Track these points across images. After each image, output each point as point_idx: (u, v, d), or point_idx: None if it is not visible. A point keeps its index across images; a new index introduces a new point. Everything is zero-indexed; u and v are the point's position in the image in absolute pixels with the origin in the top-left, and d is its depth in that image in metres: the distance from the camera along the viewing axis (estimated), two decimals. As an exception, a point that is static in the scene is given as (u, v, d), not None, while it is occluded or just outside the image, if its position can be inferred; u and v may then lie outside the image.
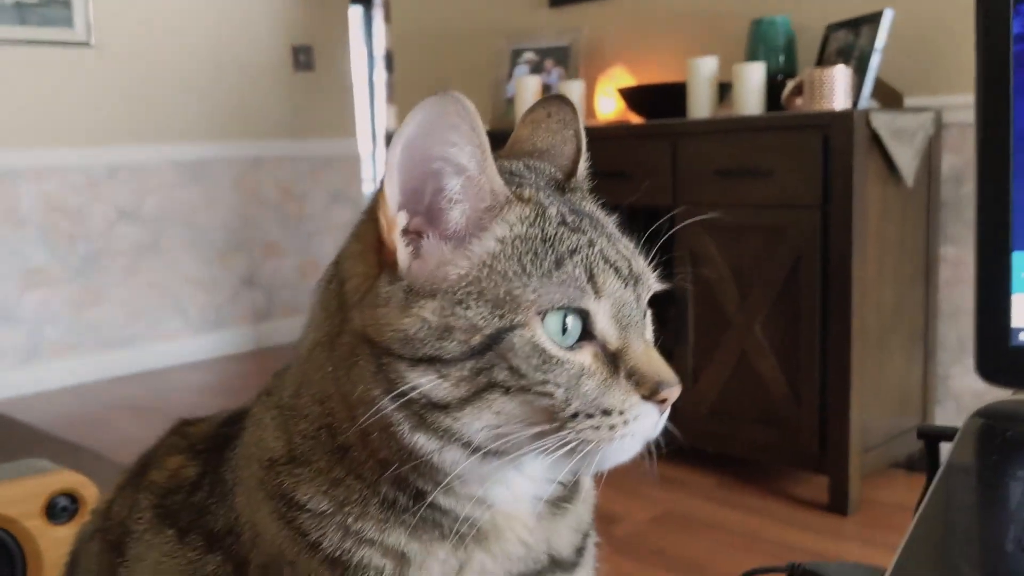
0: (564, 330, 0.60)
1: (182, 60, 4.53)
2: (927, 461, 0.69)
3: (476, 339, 0.59)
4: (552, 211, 0.63)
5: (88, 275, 4.31)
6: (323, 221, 5.18)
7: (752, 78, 2.72)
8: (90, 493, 1.24)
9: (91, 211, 4.29)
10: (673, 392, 0.62)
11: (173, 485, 0.76)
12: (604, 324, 0.61)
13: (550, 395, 0.59)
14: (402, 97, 4.48)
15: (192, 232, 4.65)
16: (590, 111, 3.40)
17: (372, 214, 0.63)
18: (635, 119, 3.15)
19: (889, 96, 2.74)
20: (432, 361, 0.59)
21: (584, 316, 0.61)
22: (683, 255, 2.74)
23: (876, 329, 2.57)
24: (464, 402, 0.59)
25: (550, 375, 0.59)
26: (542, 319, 0.59)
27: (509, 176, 0.67)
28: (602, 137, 3.00)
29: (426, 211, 0.62)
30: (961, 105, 2.66)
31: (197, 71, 4.60)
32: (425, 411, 0.59)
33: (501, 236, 0.61)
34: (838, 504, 2.51)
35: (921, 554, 0.53)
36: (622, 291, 0.62)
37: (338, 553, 0.63)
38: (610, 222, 0.69)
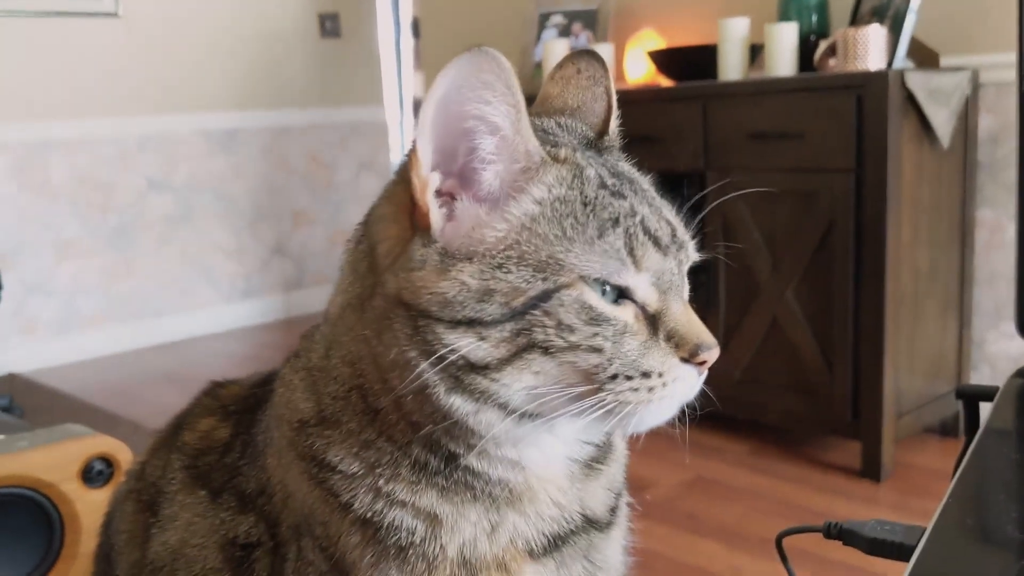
0: (604, 291, 0.60)
1: (209, 29, 4.53)
2: (966, 421, 0.68)
3: (519, 301, 0.58)
4: (591, 172, 0.62)
5: (120, 246, 4.34)
6: (352, 190, 5.18)
7: (784, 39, 2.67)
8: (125, 457, 1.25)
9: (121, 182, 4.32)
10: (712, 355, 0.62)
11: (205, 446, 0.76)
12: (644, 291, 0.61)
13: (599, 350, 0.59)
14: (429, 63, 4.45)
15: (222, 202, 4.67)
16: (619, 74, 3.36)
17: (404, 175, 0.62)
18: (665, 82, 3.12)
19: (925, 56, 2.69)
20: (471, 323, 0.58)
21: (616, 282, 0.60)
22: (714, 220, 2.71)
23: (910, 294, 2.53)
24: (503, 363, 0.59)
25: (598, 329, 0.59)
26: (585, 281, 0.59)
27: (543, 135, 0.66)
28: (631, 101, 2.96)
29: (459, 172, 0.61)
30: (999, 64, 2.60)
31: (224, 40, 4.60)
32: (462, 373, 0.59)
33: (540, 198, 0.60)
34: (871, 470, 2.49)
35: (961, 513, 0.52)
36: (662, 261, 0.62)
37: (370, 514, 0.63)
38: (648, 183, 0.68)
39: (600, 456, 0.71)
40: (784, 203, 2.59)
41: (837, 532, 0.64)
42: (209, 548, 0.71)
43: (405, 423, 0.63)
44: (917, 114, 2.45)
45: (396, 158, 4.59)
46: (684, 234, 0.65)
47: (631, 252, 0.60)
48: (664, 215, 0.64)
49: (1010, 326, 2.70)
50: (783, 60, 2.67)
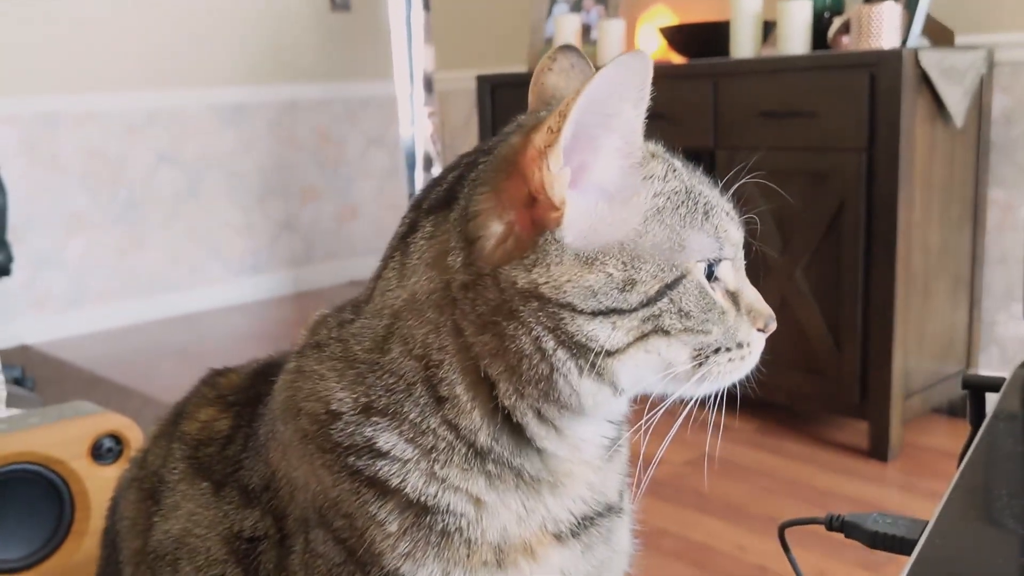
0: (708, 273, 0.66)
1: (218, 3, 4.51)
2: (971, 412, 0.67)
3: (655, 288, 0.62)
4: (677, 163, 0.68)
5: (129, 220, 4.35)
6: (361, 165, 5.18)
7: (797, 16, 2.65)
8: (134, 435, 1.26)
9: (131, 157, 4.33)
10: (774, 325, 0.70)
11: (205, 437, 0.76)
12: (727, 268, 0.67)
13: (708, 332, 0.65)
14: (440, 38, 4.42)
15: (231, 177, 4.67)
16: (630, 50, 3.34)
17: (516, 168, 0.62)
18: (676, 59, 3.09)
19: (940, 33, 2.66)
20: (609, 312, 0.62)
21: (717, 263, 0.66)
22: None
23: (921, 274, 2.52)
24: (631, 346, 0.63)
25: (709, 314, 0.65)
26: (698, 265, 0.65)
27: None
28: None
29: (584, 167, 0.63)
30: (1015, 43, 2.57)
31: (233, 13, 4.58)
32: (597, 358, 0.62)
33: (658, 190, 0.64)
34: (879, 450, 2.49)
35: (964, 506, 0.52)
36: (738, 236, 0.69)
37: (423, 498, 0.64)
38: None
39: (617, 437, 0.73)
40: (795, 182, 2.58)
41: (839, 525, 0.65)
42: (212, 540, 0.72)
43: (480, 412, 0.64)
44: (931, 93, 2.43)
45: (406, 133, 4.57)
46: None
47: (724, 230, 0.67)
48: (725, 201, 0.70)
49: (1021, 307, 2.70)
50: (796, 37, 2.65)
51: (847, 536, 0.63)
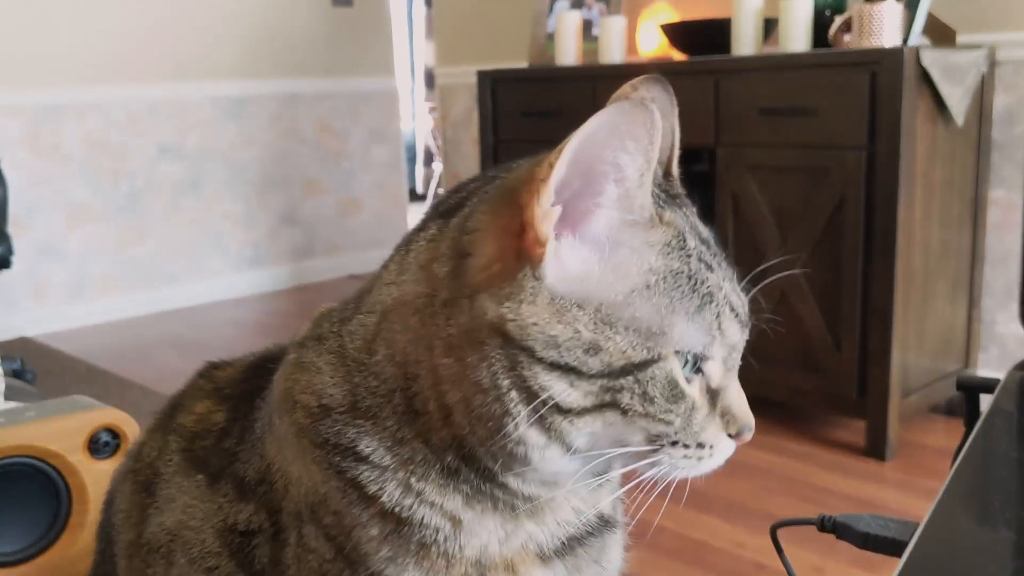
0: (686, 362, 0.62)
1: (221, -4, 4.52)
2: (966, 413, 0.67)
3: (619, 363, 0.59)
4: (691, 242, 0.63)
5: (131, 212, 4.35)
6: (362, 159, 5.18)
7: (799, 13, 2.64)
8: (131, 429, 1.26)
9: (133, 148, 4.33)
10: (750, 436, 0.66)
11: (201, 430, 0.76)
12: (715, 366, 0.64)
13: (668, 423, 0.62)
14: (441, 33, 4.42)
15: (232, 169, 4.68)
16: (631, 47, 3.34)
17: (516, 196, 0.60)
18: (677, 56, 3.09)
19: (941, 32, 2.66)
20: (568, 370, 0.59)
21: (704, 358, 0.63)
22: (724, 196, 2.70)
23: (920, 272, 2.52)
24: (584, 412, 0.60)
25: (674, 406, 0.61)
26: (677, 355, 0.61)
27: None
28: (643, 74, 2.93)
29: (579, 211, 0.60)
30: (1017, 42, 2.57)
31: (235, 7, 4.58)
32: (547, 412, 0.60)
33: (654, 265, 0.61)
34: (876, 449, 2.49)
35: (956, 509, 0.52)
36: (738, 335, 0.65)
37: (397, 509, 0.64)
38: (717, 242, 0.68)
39: (605, 470, 0.71)
40: (795, 179, 2.58)
41: (831, 526, 0.65)
42: (207, 532, 0.72)
43: (447, 433, 0.63)
44: (931, 92, 2.43)
45: (406, 128, 4.57)
46: (747, 309, 0.67)
47: (720, 327, 0.62)
48: (738, 291, 0.66)
49: (1018, 308, 2.69)
50: (797, 35, 2.65)
51: (839, 537, 0.63)
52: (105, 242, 4.28)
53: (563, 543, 0.69)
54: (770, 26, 2.82)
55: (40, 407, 1.26)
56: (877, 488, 2.35)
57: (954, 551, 0.48)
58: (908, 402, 2.54)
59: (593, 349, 0.59)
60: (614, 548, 0.74)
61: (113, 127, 4.25)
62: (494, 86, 3.39)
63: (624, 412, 0.60)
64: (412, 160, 7.99)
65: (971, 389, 0.69)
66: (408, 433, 0.64)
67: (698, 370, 0.63)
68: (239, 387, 0.78)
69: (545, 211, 0.58)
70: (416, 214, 7.06)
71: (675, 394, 0.61)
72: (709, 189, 2.72)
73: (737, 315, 0.64)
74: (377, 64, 5.20)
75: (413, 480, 0.64)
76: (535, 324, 0.59)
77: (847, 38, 2.60)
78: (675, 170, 0.71)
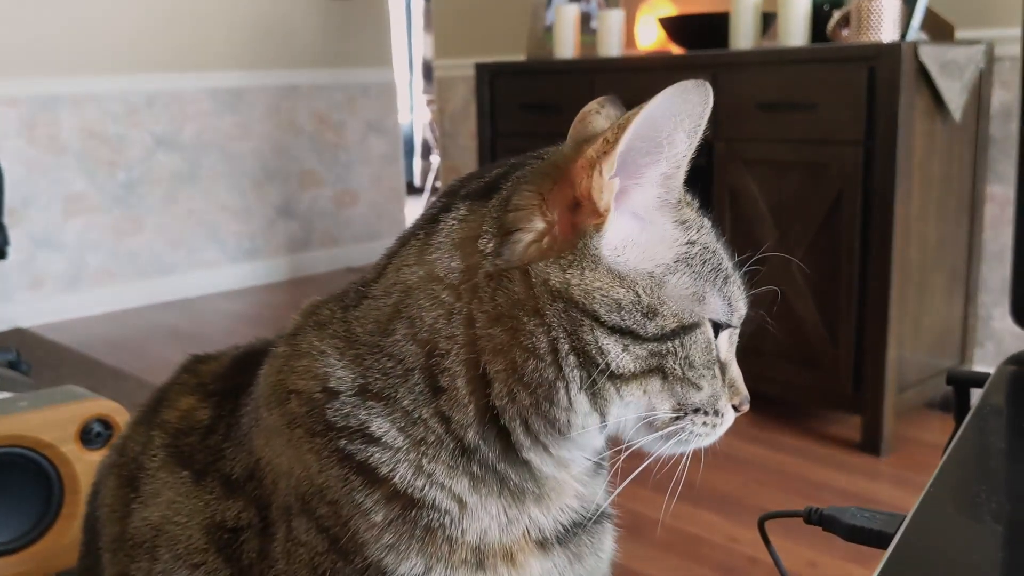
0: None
1: (219, -13, 4.50)
2: (956, 407, 0.67)
3: (672, 326, 0.63)
4: (707, 222, 0.68)
5: (127, 203, 4.35)
6: (360, 151, 5.17)
7: (797, 8, 2.64)
8: (123, 419, 1.26)
9: (130, 139, 4.32)
10: (747, 408, 0.70)
11: (185, 426, 0.76)
12: (724, 340, 0.68)
13: (700, 388, 0.66)
14: (439, 25, 4.41)
15: (228, 161, 4.67)
16: (630, 41, 3.33)
17: (565, 173, 0.63)
18: (676, 49, 3.08)
19: (940, 28, 2.65)
20: (625, 333, 0.62)
21: (727, 326, 0.68)
22: (721, 191, 2.70)
23: (917, 268, 2.52)
24: (632, 377, 0.63)
25: (707, 372, 0.66)
26: (712, 322, 0.66)
27: None
28: (641, 68, 2.94)
29: (628, 187, 0.64)
30: (1014, 38, 2.57)
31: (234, -2, 4.57)
32: (600, 376, 0.62)
33: (693, 238, 0.66)
34: (871, 444, 2.49)
35: (943, 502, 0.52)
36: (744, 312, 0.69)
37: (410, 490, 0.64)
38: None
39: (604, 452, 0.72)
40: (792, 174, 2.58)
41: (818, 518, 0.65)
42: (193, 528, 0.72)
43: (475, 407, 0.64)
44: (929, 87, 2.42)
45: (404, 120, 4.57)
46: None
47: (736, 302, 0.68)
48: (735, 269, 0.70)
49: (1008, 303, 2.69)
50: (796, 29, 2.64)
51: (825, 529, 0.64)
52: (101, 233, 4.28)
53: (566, 529, 0.70)
54: (768, 20, 2.82)
55: (32, 397, 1.26)
56: (871, 483, 2.35)
57: (940, 542, 0.48)
58: (903, 397, 2.54)
59: (651, 312, 0.63)
60: (608, 538, 0.75)
61: (110, 118, 4.24)
62: (492, 79, 3.38)
63: (665, 376, 0.64)
64: (410, 153, 7.98)
65: (961, 383, 0.69)
66: (425, 412, 0.65)
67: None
68: (223, 384, 0.78)
69: (605, 183, 0.62)
70: (414, 207, 7.04)
71: (710, 360, 0.66)
72: (706, 184, 2.72)
73: (742, 290, 0.69)
74: (375, 56, 5.19)
75: (424, 461, 0.65)
76: (600, 288, 0.62)
77: (845, 33, 2.59)
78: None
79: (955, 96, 2.45)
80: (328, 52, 4.95)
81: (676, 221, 0.65)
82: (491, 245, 0.64)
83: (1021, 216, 0.68)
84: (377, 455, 0.64)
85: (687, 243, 0.65)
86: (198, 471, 0.73)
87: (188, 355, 0.84)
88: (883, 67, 2.35)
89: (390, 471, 0.64)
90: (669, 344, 0.63)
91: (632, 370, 0.63)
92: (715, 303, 0.65)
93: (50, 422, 1.22)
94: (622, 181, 0.63)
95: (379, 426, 0.64)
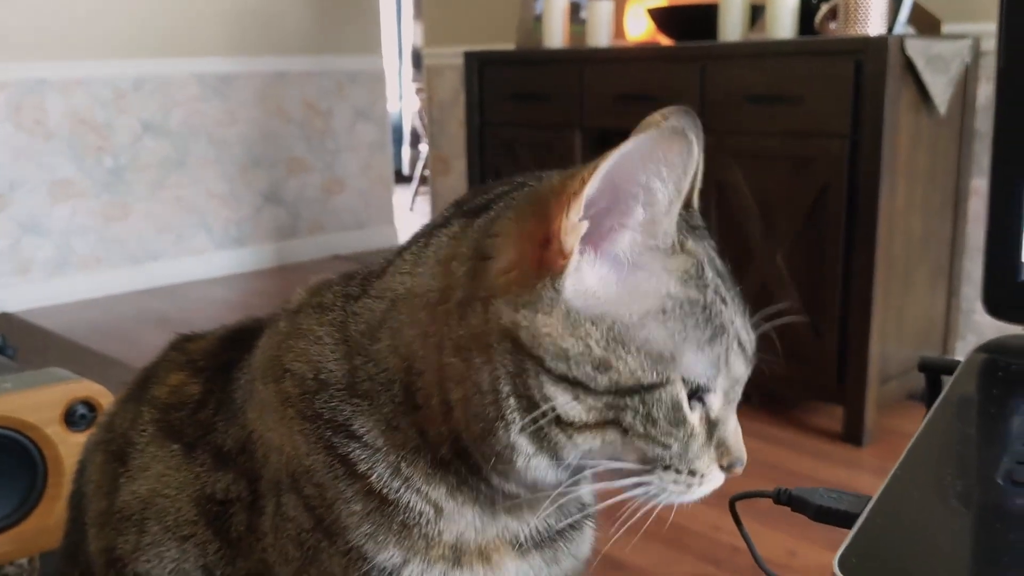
0: (690, 390, 0.62)
1: (208, -28, 4.48)
2: (927, 394, 0.69)
3: (628, 382, 0.59)
4: (709, 273, 0.63)
5: (115, 189, 4.33)
6: (348, 138, 5.16)
7: (786, 0, 2.65)
8: (107, 402, 1.26)
9: (117, 124, 4.30)
10: (742, 470, 0.67)
11: (175, 401, 0.76)
12: (717, 397, 0.64)
13: (666, 447, 0.62)
14: (429, 13, 4.40)
15: (216, 147, 4.66)
16: (619, 31, 3.34)
17: (543, 205, 0.60)
18: (664, 41, 3.09)
19: (927, 22, 2.67)
20: (576, 384, 0.59)
21: (707, 389, 0.63)
22: (708, 183, 2.71)
23: (901, 261, 2.54)
24: (585, 427, 0.60)
25: (675, 431, 0.61)
26: (684, 382, 0.61)
27: None
28: (630, 59, 2.94)
29: (598, 228, 0.60)
30: (1001, 33, 2.58)
31: (223, -16, 4.55)
32: (546, 423, 0.60)
33: (672, 291, 0.61)
34: (853, 435, 2.51)
35: (909, 484, 0.53)
36: (743, 370, 0.65)
37: (385, 490, 0.64)
38: (731, 277, 0.68)
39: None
40: (779, 167, 2.59)
41: (787, 499, 0.66)
42: (183, 501, 0.72)
43: (447, 428, 0.63)
44: (915, 81, 2.44)
45: (393, 108, 4.57)
46: (754, 344, 0.67)
47: (727, 361, 0.62)
48: (748, 326, 0.66)
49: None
50: (784, 22, 2.65)
51: (794, 509, 0.65)
52: (88, 218, 4.26)
53: (543, 535, 0.70)
54: (757, 12, 2.83)
55: (16, 379, 1.26)
56: (853, 473, 2.38)
57: (904, 522, 0.49)
58: (886, 389, 2.56)
59: (603, 366, 0.59)
60: (587, 541, 0.75)
61: (98, 103, 4.22)
62: (481, 68, 3.38)
63: (625, 431, 0.60)
64: (398, 141, 7.97)
65: (933, 370, 0.70)
66: (403, 422, 0.64)
67: (700, 399, 0.63)
68: (214, 359, 0.78)
69: (573, 224, 0.58)
70: (402, 196, 7.00)
71: (678, 419, 0.61)
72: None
73: (744, 350, 0.64)
74: (364, 43, 5.17)
75: (403, 465, 0.64)
76: (548, 335, 0.59)
77: (833, 26, 2.61)
78: (695, 201, 0.70)
79: (941, 90, 2.47)
80: (317, 39, 4.94)
81: (662, 269, 0.61)
82: (464, 269, 0.62)
83: (993, 206, 0.69)
84: (357, 452, 0.64)
85: (665, 295, 0.60)
86: (189, 444, 0.73)
87: (175, 334, 0.84)
88: (870, 61, 2.36)
89: (368, 469, 0.64)
90: (627, 400, 0.59)
91: (584, 420, 0.60)
92: (693, 364, 0.61)
93: (34, 403, 1.22)
94: (592, 225, 0.59)
95: (362, 424, 0.65)
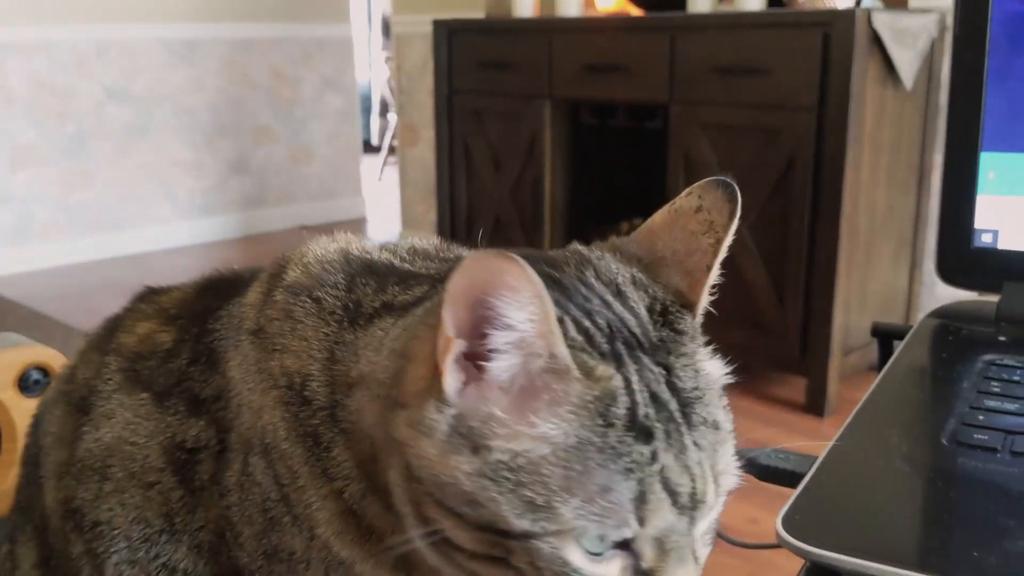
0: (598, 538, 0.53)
1: (172, -65, 4.40)
2: (879, 358, 0.69)
3: (501, 526, 0.51)
4: (620, 408, 0.52)
5: (77, 156, 4.26)
6: (315, 107, 5.11)
7: (755, -28, 2.64)
8: (61, 366, 1.25)
9: (79, 90, 4.23)
10: None
11: (145, 350, 0.74)
12: (644, 544, 0.53)
13: None
14: (398, -18, 4.35)
15: (181, 115, 4.59)
16: (588, 1, 3.32)
17: (434, 318, 0.54)
18: (634, 11, 3.07)
19: (894, -5, 2.67)
20: (451, 513, 0.53)
21: (620, 541, 0.53)
22: (676, 154, 2.71)
23: (866, 233, 2.56)
24: (475, 556, 0.54)
25: None
26: (575, 536, 0.52)
27: (587, 330, 0.55)
28: (599, 29, 2.92)
29: (475, 350, 0.53)
30: (967, 7, 2.59)
31: (188, -53, 4.47)
32: (440, 541, 0.55)
33: (550, 435, 0.51)
34: (815, 405, 2.54)
35: (855, 445, 0.53)
36: (674, 520, 0.53)
37: (355, 508, 0.62)
38: (710, 396, 0.60)
39: None
40: (746, 139, 2.60)
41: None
42: (151, 448, 0.70)
43: (356, 480, 0.62)
44: (882, 54, 2.45)
45: (361, 77, 4.52)
46: (705, 488, 0.55)
47: (639, 507, 0.51)
48: (691, 463, 0.54)
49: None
50: (753, -7, 2.65)
51: (743, 469, 0.65)
52: (50, 186, 4.20)
53: None
54: (727, -17, 2.82)
55: (-31, 344, 1.24)
56: (815, 444, 2.40)
57: (848, 482, 0.50)
58: (848, 360, 2.59)
59: (472, 503, 0.51)
60: None
61: (59, 68, 4.14)
62: (450, 36, 3.35)
63: (518, 571, 0.53)
64: (367, 111, 7.90)
65: (886, 336, 0.71)
66: (372, 467, 0.61)
67: (624, 545, 0.52)
68: (189, 307, 0.76)
69: (447, 340, 0.52)
70: (370, 165, 6.91)
71: (570, 572, 0.51)
72: (662, 147, 2.73)
73: (673, 494, 0.52)
74: (332, 11, 5.11)
75: (368, 494, 0.62)
76: (424, 457, 0.53)
77: (801, -2, 2.61)
78: (703, 299, 0.62)
79: (907, 64, 2.48)
80: (285, 5, 4.87)
81: (550, 400, 0.51)
82: (394, 368, 0.58)
83: (948, 174, 0.69)
84: (333, 469, 0.63)
85: (540, 436, 0.51)
86: (160, 392, 0.71)
87: (143, 286, 0.82)
88: (837, 33, 2.37)
89: (344, 486, 0.62)
90: (511, 543, 0.51)
91: (471, 549, 0.53)
92: (581, 514, 0.50)
93: (-13, 369, 1.20)
94: (466, 342, 0.52)
95: (339, 452, 0.62)
